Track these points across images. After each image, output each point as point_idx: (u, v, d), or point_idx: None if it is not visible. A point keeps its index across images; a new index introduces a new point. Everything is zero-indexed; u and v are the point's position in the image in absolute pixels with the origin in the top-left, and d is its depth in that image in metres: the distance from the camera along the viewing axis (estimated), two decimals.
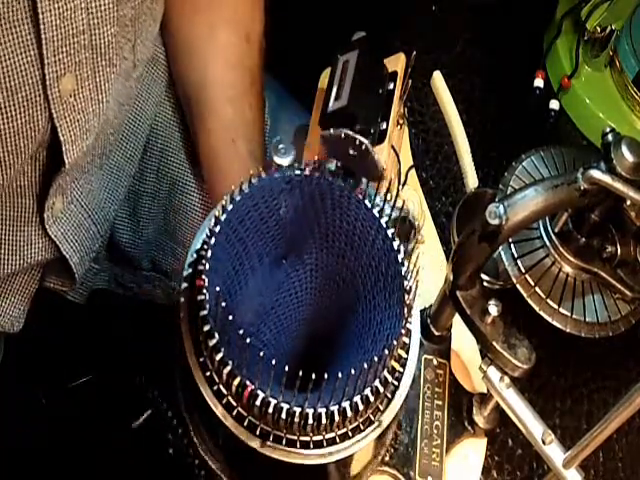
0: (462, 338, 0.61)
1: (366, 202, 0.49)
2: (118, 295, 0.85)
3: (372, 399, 0.45)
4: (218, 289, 0.44)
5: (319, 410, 0.43)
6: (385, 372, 0.45)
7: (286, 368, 0.42)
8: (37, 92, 0.57)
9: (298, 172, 0.48)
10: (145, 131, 0.77)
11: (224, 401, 0.45)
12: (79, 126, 0.61)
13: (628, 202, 0.60)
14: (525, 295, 0.65)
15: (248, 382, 0.43)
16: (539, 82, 0.83)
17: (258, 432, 0.45)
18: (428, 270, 0.52)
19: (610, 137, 0.55)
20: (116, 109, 0.68)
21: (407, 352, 0.48)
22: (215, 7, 0.75)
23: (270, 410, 0.43)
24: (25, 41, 0.54)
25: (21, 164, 0.60)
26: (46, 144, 0.61)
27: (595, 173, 0.52)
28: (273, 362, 0.42)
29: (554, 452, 0.53)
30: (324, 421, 0.44)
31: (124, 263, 0.83)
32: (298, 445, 0.45)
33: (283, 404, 0.43)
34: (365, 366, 0.43)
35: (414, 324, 0.49)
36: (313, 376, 0.42)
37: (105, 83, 0.61)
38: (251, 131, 0.74)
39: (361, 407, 0.45)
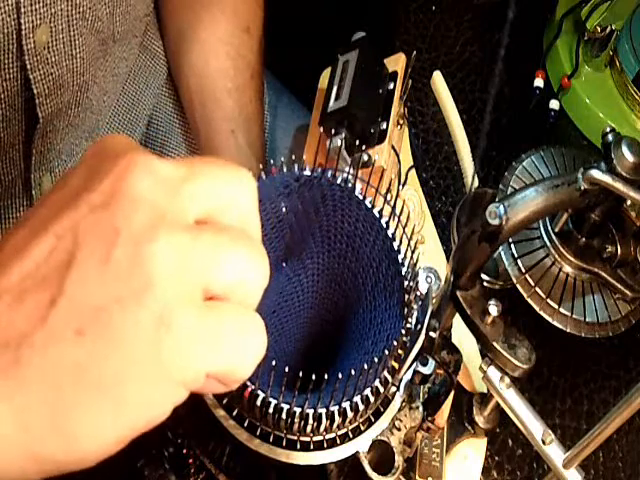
0: (462, 338, 0.61)
1: (366, 202, 0.49)
2: None
3: (372, 399, 0.45)
4: None
5: (319, 410, 0.44)
6: (385, 372, 0.45)
7: (286, 369, 0.42)
8: (11, 41, 0.57)
9: (297, 176, 0.48)
10: (142, 122, 0.77)
11: (224, 402, 0.45)
12: (52, 80, 0.61)
13: (628, 202, 0.60)
14: (525, 295, 0.65)
15: (248, 383, 0.43)
16: (539, 82, 0.83)
17: (258, 433, 0.45)
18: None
19: (610, 137, 0.55)
20: (101, 85, 0.68)
21: (407, 352, 0.48)
22: None
23: (270, 411, 0.43)
24: None
25: None
26: (22, 106, 0.61)
27: (595, 173, 0.52)
28: (273, 363, 0.42)
29: (554, 452, 0.53)
30: (324, 421, 0.44)
31: None
32: (298, 446, 0.45)
33: (283, 405, 0.43)
34: (365, 366, 0.43)
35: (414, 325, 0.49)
36: (313, 377, 0.42)
37: (78, 38, 0.61)
38: (251, 123, 0.74)
39: (361, 407, 0.45)
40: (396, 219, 0.48)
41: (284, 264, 0.52)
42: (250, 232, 0.36)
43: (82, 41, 0.62)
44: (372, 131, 0.65)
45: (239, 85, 0.74)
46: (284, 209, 0.49)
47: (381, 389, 0.45)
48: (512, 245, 0.65)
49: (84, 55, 0.63)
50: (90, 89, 0.67)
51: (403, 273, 0.47)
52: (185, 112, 0.78)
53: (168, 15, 0.77)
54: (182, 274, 0.32)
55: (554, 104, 0.83)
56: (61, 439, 0.32)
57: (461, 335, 0.60)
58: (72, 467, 0.33)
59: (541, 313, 0.64)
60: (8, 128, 0.62)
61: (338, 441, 0.46)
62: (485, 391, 0.59)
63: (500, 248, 0.64)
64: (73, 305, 0.32)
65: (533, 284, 0.64)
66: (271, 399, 0.43)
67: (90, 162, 0.35)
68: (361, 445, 0.46)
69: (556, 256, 0.65)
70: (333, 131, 0.62)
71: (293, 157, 0.49)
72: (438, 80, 0.80)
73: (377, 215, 0.48)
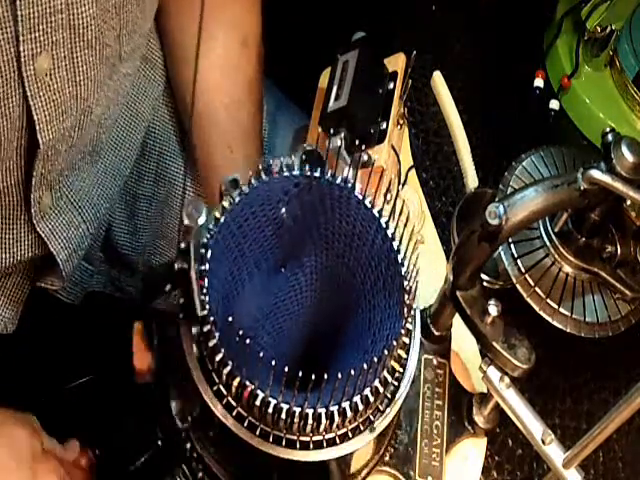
0: (462, 338, 0.61)
1: (366, 202, 0.49)
2: (115, 298, 0.84)
3: (372, 399, 0.45)
4: (218, 290, 0.44)
5: (319, 410, 0.43)
6: (385, 372, 0.45)
7: (286, 369, 0.42)
8: (12, 69, 0.56)
9: (296, 182, 0.48)
10: (141, 132, 0.77)
11: (224, 401, 0.45)
12: (54, 106, 0.60)
13: (628, 202, 0.60)
14: (525, 295, 0.65)
15: (248, 382, 0.43)
16: (539, 82, 0.83)
17: (258, 432, 0.45)
18: (428, 270, 0.52)
19: (610, 137, 0.55)
20: (104, 104, 0.68)
21: (407, 352, 0.48)
22: (211, 10, 0.75)
23: (270, 410, 0.43)
24: (1, 17, 0.54)
25: None
26: (24, 128, 0.61)
27: (595, 173, 0.52)
28: (272, 363, 0.42)
29: (554, 452, 0.53)
30: (324, 421, 0.44)
31: (121, 266, 0.83)
32: (298, 445, 0.45)
33: (283, 404, 0.43)
34: (365, 366, 0.43)
35: (414, 324, 0.49)
36: (313, 376, 0.42)
37: (83, 65, 0.61)
38: (247, 136, 0.74)
39: (361, 407, 0.45)
40: (396, 219, 0.48)
41: (283, 269, 0.52)
42: None
43: (87, 68, 0.61)
44: (372, 131, 0.65)
45: (235, 99, 0.74)
46: (284, 216, 0.49)
47: (381, 389, 0.45)
48: (512, 245, 0.65)
49: (88, 82, 0.62)
50: (94, 112, 0.66)
51: (403, 273, 0.47)
52: (183, 124, 0.78)
53: (164, 26, 0.76)
54: None
55: (554, 104, 0.83)
56: None
57: (461, 335, 0.60)
58: None
59: (541, 313, 0.64)
60: (8, 153, 0.62)
61: (338, 441, 0.46)
62: (485, 391, 0.59)
63: (500, 248, 0.64)
64: None
65: (533, 284, 0.64)
66: (270, 399, 0.43)
67: None
68: (360, 445, 0.47)
69: (556, 256, 0.65)
70: (333, 131, 0.62)
71: None
72: (438, 80, 0.80)
73: (377, 215, 0.48)
